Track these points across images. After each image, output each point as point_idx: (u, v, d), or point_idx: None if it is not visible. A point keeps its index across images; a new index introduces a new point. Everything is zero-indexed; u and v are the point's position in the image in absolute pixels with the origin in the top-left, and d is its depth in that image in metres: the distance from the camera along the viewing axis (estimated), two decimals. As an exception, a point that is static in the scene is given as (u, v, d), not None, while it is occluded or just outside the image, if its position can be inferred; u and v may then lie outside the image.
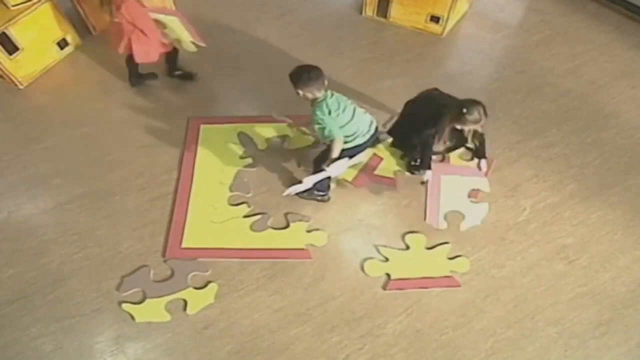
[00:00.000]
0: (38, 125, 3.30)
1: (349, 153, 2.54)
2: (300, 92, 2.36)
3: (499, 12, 4.17)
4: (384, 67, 3.67)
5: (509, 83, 3.56)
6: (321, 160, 2.53)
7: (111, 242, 2.72)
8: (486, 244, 2.71)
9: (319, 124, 2.39)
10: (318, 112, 2.37)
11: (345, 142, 2.48)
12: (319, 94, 2.36)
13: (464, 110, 2.34)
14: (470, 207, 2.77)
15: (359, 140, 2.54)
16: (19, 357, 2.34)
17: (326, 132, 2.39)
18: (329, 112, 2.36)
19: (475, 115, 2.35)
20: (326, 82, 2.38)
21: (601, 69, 3.65)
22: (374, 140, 2.67)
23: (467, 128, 2.46)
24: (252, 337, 2.39)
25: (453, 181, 2.85)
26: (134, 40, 2.89)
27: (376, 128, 2.64)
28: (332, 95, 2.42)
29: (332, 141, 2.40)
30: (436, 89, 2.76)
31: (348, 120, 2.44)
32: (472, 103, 2.37)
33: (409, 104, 2.81)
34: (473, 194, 2.82)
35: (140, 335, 2.40)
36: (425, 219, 2.74)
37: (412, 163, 2.96)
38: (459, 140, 2.72)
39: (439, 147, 2.76)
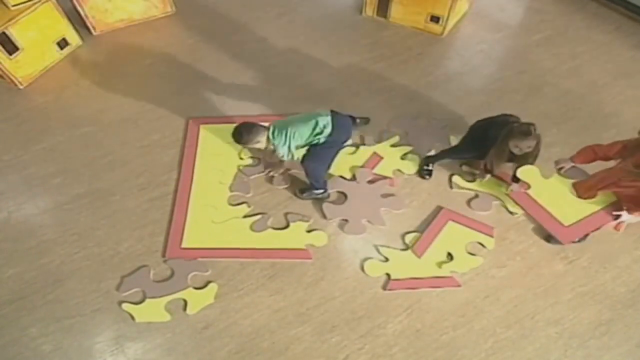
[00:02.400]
0: (38, 125, 3.30)
1: (331, 147, 2.68)
2: (257, 143, 2.59)
3: (499, 12, 4.17)
4: (384, 67, 3.67)
5: (509, 83, 3.56)
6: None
7: (111, 242, 2.72)
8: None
9: (281, 154, 2.64)
10: (280, 149, 2.60)
11: (318, 138, 2.62)
12: (265, 136, 2.58)
13: (514, 127, 2.39)
14: (464, 256, 2.64)
15: (327, 131, 2.60)
16: (19, 357, 2.34)
17: (285, 155, 2.64)
18: (285, 142, 2.56)
19: (525, 129, 2.37)
20: (265, 124, 2.62)
21: (601, 69, 3.65)
22: (344, 131, 2.70)
23: (522, 145, 2.40)
24: (252, 337, 2.39)
25: (457, 229, 2.74)
26: None
27: (332, 120, 2.62)
28: (274, 131, 2.58)
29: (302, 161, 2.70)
30: (513, 116, 2.73)
31: (297, 127, 2.56)
32: (522, 124, 2.42)
33: (482, 122, 2.76)
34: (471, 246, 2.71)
35: (140, 335, 2.40)
36: (414, 244, 2.69)
37: (425, 167, 2.96)
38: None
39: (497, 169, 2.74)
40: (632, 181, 2.18)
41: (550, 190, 2.48)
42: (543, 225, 2.47)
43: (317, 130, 2.58)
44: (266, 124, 2.64)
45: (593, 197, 2.39)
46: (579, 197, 2.43)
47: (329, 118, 2.61)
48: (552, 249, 2.68)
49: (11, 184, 2.98)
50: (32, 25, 3.38)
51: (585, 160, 2.44)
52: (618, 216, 2.31)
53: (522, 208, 2.51)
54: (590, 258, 2.65)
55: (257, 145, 2.63)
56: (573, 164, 2.49)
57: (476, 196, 2.88)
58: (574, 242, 2.62)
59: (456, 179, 2.95)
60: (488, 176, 2.87)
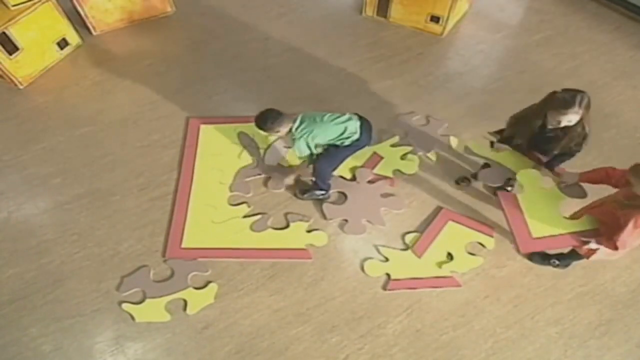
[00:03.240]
0: (38, 125, 3.30)
1: (350, 150, 2.65)
2: (277, 132, 2.54)
3: (499, 12, 4.17)
4: (384, 67, 3.67)
5: (509, 83, 3.56)
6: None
7: (111, 242, 2.72)
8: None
9: (298, 149, 2.58)
10: (299, 144, 2.54)
11: (342, 141, 2.59)
12: (290, 125, 2.52)
13: (558, 93, 2.05)
14: (464, 256, 2.64)
15: (355, 137, 2.59)
16: (19, 357, 2.34)
17: (301, 151, 2.59)
18: (306, 138, 2.51)
19: (568, 98, 2.02)
20: (288, 113, 2.54)
21: (601, 69, 3.65)
22: (368, 137, 2.67)
23: (560, 118, 2.07)
24: (252, 337, 2.39)
25: (457, 229, 2.74)
26: None
27: (360, 126, 2.59)
28: (300, 125, 2.52)
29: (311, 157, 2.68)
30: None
31: (325, 129, 2.52)
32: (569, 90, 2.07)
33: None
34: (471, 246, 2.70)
35: (140, 335, 2.40)
36: (415, 244, 2.68)
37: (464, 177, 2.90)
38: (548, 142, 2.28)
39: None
40: (617, 210, 2.03)
41: (538, 199, 2.37)
42: (511, 228, 2.33)
43: (346, 135, 2.55)
44: (293, 114, 2.57)
45: (578, 217, 2.29)
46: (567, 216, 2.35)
47: (358, 124, 2.59)
48: (552, 249, 2.68)
49: (11, 184, 2.98)
50: (32, 25, 3.38)
51: (593, 179, 2.25)
52: (587, 242, 2.17)
53: (501, 206, 2.43)
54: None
55: (276, 134, 2.58)
56: (576, 181, 2.33)
57: (487, 165, 2.61)
58: (555, 267, 2.58)
59: (471, 143, 2.68)
60: (504, 146, 2.50)
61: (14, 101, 3.45)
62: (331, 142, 2.60)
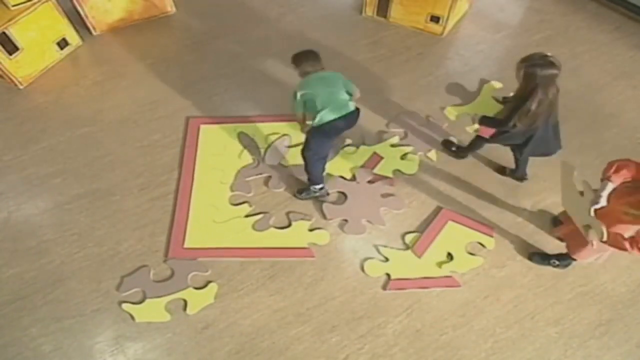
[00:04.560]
0: (38, 125, 3.30)
1: (330, 134, 2.53)
2: (307, 69, 2.55)
3: (499, 12, 4.17)
4: (384, 67, 3.67)
5: (509, 83, 3.56)
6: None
7: (111, 242, 2.72)
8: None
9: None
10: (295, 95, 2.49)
11: (325, 112, 2.43)
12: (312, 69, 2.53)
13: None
14: (464, 256, 2.64)
15: (328, 116, 2.41)
16: (19, 357, 2.34)
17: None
18: (298, 87, 2.48)
19: (546, 58, 2.01)
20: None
21: (601, 69, 3.65)
22: (347, 124, 2.50)
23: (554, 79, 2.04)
24: (252, 337, 2.39)
25: (457, 229, 2.74)
26: None
27: (350, 113, 2.46)
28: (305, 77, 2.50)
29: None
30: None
31: (316, 86, 2.44)
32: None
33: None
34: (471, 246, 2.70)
35: (140, 335, 2.40)
36: (414, 244, 2.68)
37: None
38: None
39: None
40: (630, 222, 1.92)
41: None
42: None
43: (332, 102, 2.39)
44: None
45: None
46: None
47: (350, 103, 2.45)
48: (552, 249, 2.68)
49: (11, 184, 2.98)
50: (32, 25, 3.38)
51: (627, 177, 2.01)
52: None
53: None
54: (590, 258, 2.65)
55: (307, 68, 2.55)
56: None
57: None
58: (555, 267, 2.59)
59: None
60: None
61: (14, 101, 3.45)
62: (318, 108, 2.41)
